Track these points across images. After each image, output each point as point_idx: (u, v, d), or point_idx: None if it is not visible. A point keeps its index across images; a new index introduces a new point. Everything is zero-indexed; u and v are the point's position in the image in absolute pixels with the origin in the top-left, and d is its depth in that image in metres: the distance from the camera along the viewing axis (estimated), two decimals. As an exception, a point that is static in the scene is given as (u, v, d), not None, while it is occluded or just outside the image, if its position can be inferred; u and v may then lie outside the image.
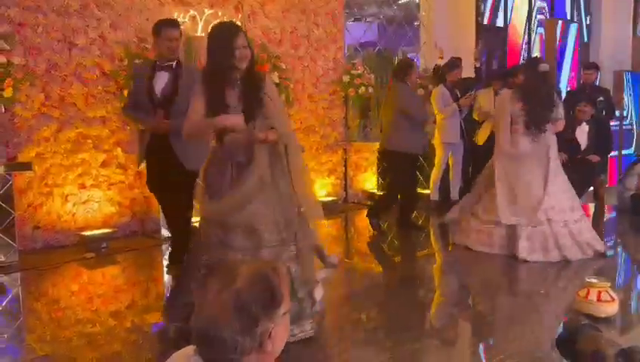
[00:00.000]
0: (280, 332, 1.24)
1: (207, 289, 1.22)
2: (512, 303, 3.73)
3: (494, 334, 3.15)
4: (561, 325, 1.11)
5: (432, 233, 5.74)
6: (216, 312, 1.18)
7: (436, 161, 6.50)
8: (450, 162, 6.59)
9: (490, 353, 2.89)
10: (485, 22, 8.45)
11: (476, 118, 6.55)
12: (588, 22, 10.22)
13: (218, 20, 5.83)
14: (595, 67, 6.89)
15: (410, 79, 5.38)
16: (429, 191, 6.58)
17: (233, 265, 1.27)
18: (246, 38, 2.83)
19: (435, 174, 6.50)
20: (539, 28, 9.19)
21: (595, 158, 5.73)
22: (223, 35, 2.79)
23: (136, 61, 4.86)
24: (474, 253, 4.68)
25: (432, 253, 5.15)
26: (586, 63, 7.35)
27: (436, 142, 6.43)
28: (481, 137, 6.41)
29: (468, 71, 7.03)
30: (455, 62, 6.25)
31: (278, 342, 1.25)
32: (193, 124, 2.84)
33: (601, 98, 6.54)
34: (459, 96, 6.25)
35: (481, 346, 3.08)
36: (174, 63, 3.95)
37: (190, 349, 1.28)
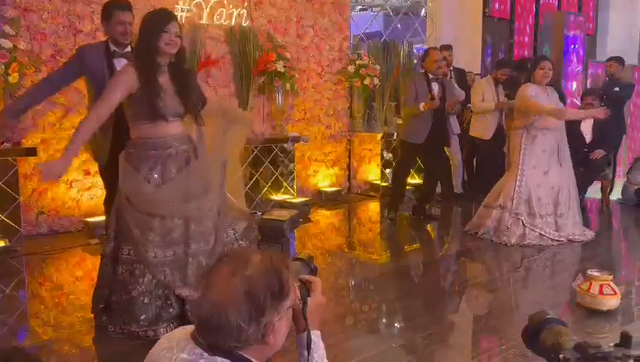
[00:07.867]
0: (282, 326, 1.25)
1: (216, 274, 1.22)
2: (516, 292, 3.73)
3: (497, 323, 3.15)
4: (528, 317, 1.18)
5: (437, 223, 5.73)
6: (225, 297, 1.18)
7: None
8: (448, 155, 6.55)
9: (492, 342, 2.90)
10: (492, 13, 8.38)
11: (473, 110, 6.37)
12: (595, 14, 10.13)
13: (211, 8, 5.81)
14: (619, 60, 6.69)
15: (427, 67, 5.30)
16: None
17: (245, 252, 1.28)
18: (180, 28, 2.85)
19: None
20: (546, 20, 9.11)
21: (599, 154, 5.69)
22: (156, 18, 2.82)
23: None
24: (478, 242, 4.69)
25: (436, 243, 5.16)
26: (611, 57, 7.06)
27: None
28: (485, 131, 6.27)
29: (474, 64, 7.03)
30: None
31: (280, 336, 1.25)
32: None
33: (617, 88, 6.45)
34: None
35: (483, 335, 3.09)
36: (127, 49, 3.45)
37: (187, 332, 1.26)
